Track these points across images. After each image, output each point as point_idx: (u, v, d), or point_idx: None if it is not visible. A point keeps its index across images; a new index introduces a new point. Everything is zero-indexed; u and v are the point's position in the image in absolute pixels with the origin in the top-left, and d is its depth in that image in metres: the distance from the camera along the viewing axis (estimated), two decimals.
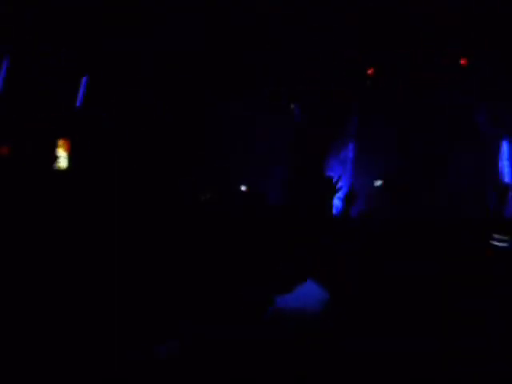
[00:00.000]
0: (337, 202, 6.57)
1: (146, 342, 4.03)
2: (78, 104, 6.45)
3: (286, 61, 7.25)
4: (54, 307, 4.23)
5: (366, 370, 3.82)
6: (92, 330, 4.07)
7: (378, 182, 6.88)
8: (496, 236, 4.74)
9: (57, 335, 3.99)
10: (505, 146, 6.22)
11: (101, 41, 6.13)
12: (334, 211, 6.36)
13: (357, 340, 4.06)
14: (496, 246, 4.75)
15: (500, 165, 6.34)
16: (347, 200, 5.77)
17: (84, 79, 6.40)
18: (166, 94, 7.35)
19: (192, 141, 7.92)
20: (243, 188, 8.28)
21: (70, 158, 6.00)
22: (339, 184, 5.95)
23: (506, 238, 4.72)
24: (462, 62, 6.53)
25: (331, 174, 7.70)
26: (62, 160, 5.90)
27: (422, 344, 4.12)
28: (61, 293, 4.35)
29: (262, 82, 7.91)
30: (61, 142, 5.99)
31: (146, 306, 4.39)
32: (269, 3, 6.04)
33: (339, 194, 6.35)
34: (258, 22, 6.33)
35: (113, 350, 3.87)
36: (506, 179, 6.01)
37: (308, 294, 3.80)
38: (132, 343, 4.00)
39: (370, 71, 7.28)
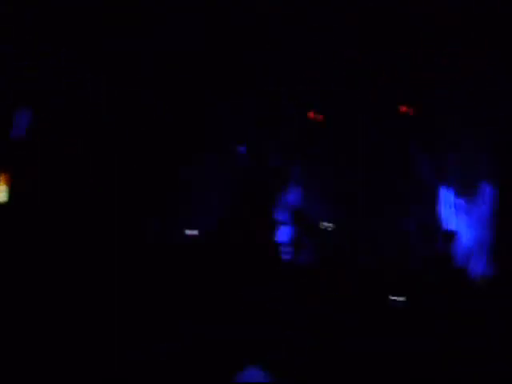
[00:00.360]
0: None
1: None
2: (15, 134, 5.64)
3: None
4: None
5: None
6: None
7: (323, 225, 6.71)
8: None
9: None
10: (443, 192, 6.20)
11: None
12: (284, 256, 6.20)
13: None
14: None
15: (439, 211, 6.32)
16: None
17: (23, 108, 5.71)
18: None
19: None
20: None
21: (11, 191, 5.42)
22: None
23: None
24: (405, 109, 6.42)
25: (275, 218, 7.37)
26: None
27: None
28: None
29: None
30: None
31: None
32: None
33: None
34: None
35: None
36: (448, 226, 5.97)
37: None
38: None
39: (315, 116, 6.95)
